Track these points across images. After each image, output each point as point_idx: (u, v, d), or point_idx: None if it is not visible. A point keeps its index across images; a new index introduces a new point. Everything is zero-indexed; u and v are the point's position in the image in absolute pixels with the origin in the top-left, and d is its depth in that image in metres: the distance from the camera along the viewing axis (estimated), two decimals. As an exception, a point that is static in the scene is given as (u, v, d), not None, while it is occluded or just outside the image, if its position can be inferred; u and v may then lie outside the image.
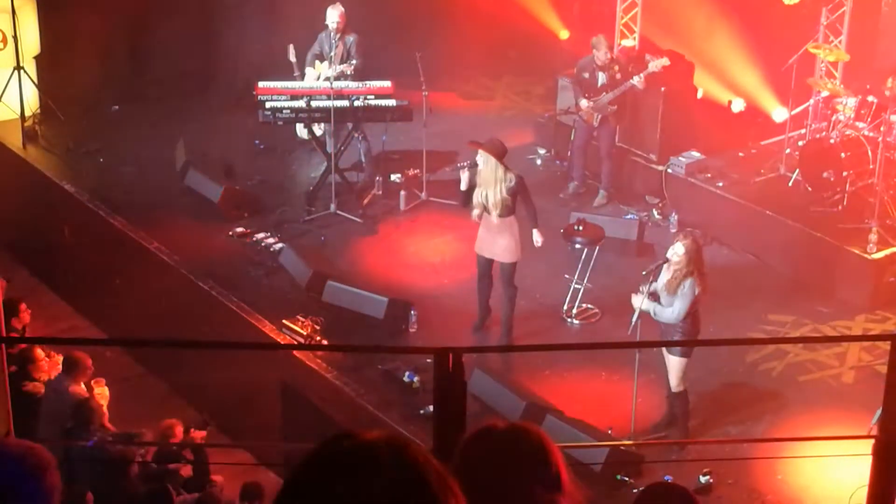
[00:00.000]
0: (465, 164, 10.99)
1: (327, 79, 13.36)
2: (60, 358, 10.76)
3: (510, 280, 11.08)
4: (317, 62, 13.75)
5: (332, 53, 13.59)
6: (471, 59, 15.86)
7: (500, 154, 10.73)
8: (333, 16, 13.59)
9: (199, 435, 9.98)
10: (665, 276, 9.64)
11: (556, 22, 16.23)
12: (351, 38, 13.60)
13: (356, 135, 13.81)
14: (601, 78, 13.46)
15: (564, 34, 16.06)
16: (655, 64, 13.33)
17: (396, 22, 14.79)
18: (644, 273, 10.17)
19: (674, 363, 9.81)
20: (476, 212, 10.90)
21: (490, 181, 10.69)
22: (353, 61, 13.47)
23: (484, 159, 10.71)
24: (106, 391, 10.56)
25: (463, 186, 10.91)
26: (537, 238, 11.01)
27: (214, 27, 16.32)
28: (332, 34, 13.61)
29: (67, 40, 15.67)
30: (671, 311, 9.56)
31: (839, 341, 11.72)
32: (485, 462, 2.90)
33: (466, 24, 15.81)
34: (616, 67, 13.47)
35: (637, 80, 13.25)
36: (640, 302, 9.65)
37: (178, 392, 12.09)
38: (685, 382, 9.90)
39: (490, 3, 15.72)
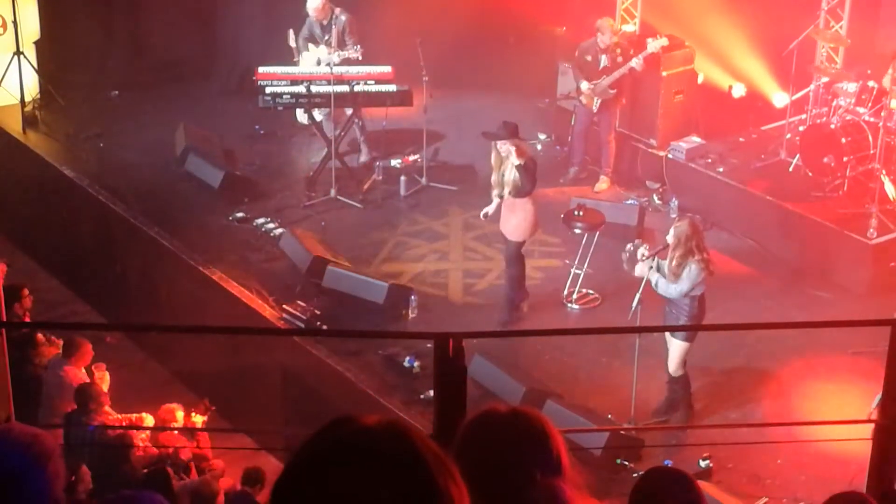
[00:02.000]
0: (489, 210, 11.36)
1: (328, 64, 13.34)
2: (61, 343, 10.78)
3: (511, 258, 11.20)
4: (311, 46, 13.73)
5: (327, 38, 13.58)
6: (471, 44, 15.82)
7: (514, 135, 10.91)
8: (313, 6, 13.56)
9: (199, 419, 10.00)
10: (669, 260, 9.67)
11: (553, 18, 16.14)
12: (343, 19, 13.58)
13: (357, 120, 13.82)
14: (603, 61, 13.43)
15: (560, 31, 16.00)
16: (654, 45, 13.32)
17: (396, 7, 14.75)
18: (645, 258, 10.18)
19: (675, 347, 9.84)
20: (496, 191, 11.09)
21: (507, 163, 10.88)
22: (358, 47, 13.47)
23: (508, 143, 10.82)
24: (106, 376, 10.58)
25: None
26: (491, 209, 11.21)
27: (214, 12, 16.30)
28: (317, 22, 13.60)
29: (67, 25, 15.66)
30: (675, 287, 9.61)
31: (839, 326, 11.70)
32: (485, 446, 2.90)
33: (466, 9, 15.76)
34: (618, 51, 13.46)
35: (636, 63, 13.24)
36: (643, 270, 9.74)
37: (179, 377, 12.10)
38: (685, 367, 9.92)
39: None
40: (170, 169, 14.01)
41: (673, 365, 9.91)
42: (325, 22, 13.62)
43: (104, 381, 10.48)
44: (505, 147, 10.83)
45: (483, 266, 12.35)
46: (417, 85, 13.39)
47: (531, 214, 11.06)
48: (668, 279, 9.65)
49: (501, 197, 11.12)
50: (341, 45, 13.59)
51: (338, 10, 13.67)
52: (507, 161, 10.89)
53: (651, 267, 9.73)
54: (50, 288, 13.56)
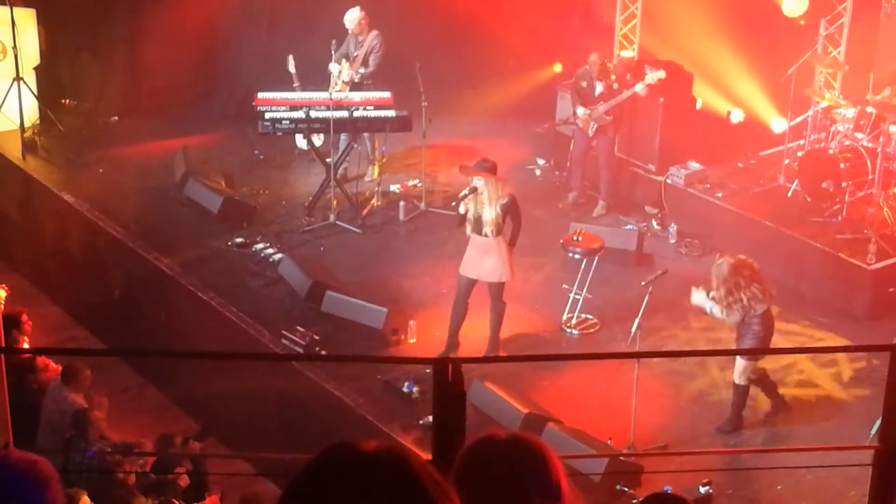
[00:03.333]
0: (466, 191, 10.74)
1: (345, 83, 13.55)
2: (59, 368, 10.76)
3: (498, 297, 10.95)
4: (343, 60, 13.80)
5: (356, 54, 13.70)
6: (469, 68, 15.87)
7: (494, 172, 10.64)
8: (349, 19, 13.68)
9: (197, 447, 9.97)
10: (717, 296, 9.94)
11: (551, 57, 16.18)
12: (376, 42, 13.71)
13: (356, 144, 13.85)
14: (598, 87, 13.49)
15: (558, 67, 16.04)
16: (652, 76, 13.36)
17: (395, 32, 14.79)
18: (643, 283, 10.23)
19: (739, 363, 10.11)
20: (469, 228, 10.76)
21: (487, 200, 10.58)
22: (362, 70, 13.58)
23: (484, 180, 10.57)
24: (105, 401, 10.57)
25: (461, 210, 10.73)
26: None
27: (213, 38, 16.34)
28: (353, 36, 13.73)
29: (67, 51, 15.69)
30: (729, 317, 9.90)
31: (839, 351, 11.71)
32: (485, 472, 2.90)
33: (465, 34, 15.81)
34: (613, 77, 13.51)
35: (640, 87, 13.28)
36: (699, 298, 9.98)
37: (178, 403, 12.08)
38: (746, 380, 10.12)
39: (488, 16, 15.72)
40: (169, 194, 14.02)
41: (734, 374, 10.16)
42: (360, 38, 13.73)
43: (103, 406, 10.46)
44: (480, 183, 10.55)
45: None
46: (417, 110, 13.42)
47: (507, 253, 10.77)
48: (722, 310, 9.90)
49: (464, 214, 10.72)
50: (365, 63, 13.70)
51: (375, 32, 13.77)
52: (480, 198, 10.58)
53: (709, 296, 9.97)
54: (49, 313, 13.55)
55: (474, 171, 10.70)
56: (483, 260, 10.80)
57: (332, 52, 13.59)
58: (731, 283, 9.77)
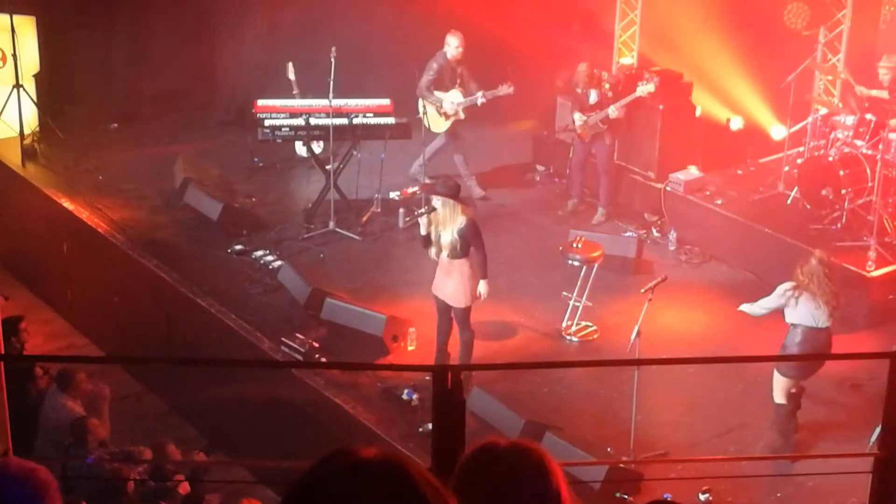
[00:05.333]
0: (424, 209, 10.55)
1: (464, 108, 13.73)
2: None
3: (463, 323, 10.66)
4: (452, 90, 13.81)
5: (459, 79, 13.78)
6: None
7: (455, 194, 10.33)
8: (457, 45, 13.72)
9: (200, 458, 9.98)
10: None
11: (550, 64, 16.16)
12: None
13: (355, 152, 13.85)
14: (592, 96, 13.50)
15: (558, 84, 16.04)
16: (642, 89, 13.37)
17: (394, 39, 14.80)
18: (643, 290, 10.22)
19: (776, 380, 10.01)
20: (433, 251, 10.51)
21: (445, 221, 10.30)
22: (481, 95, 13.72)
23: (441, 201, 10.30)
24: (107, 390, 10.60)
25: (423, 231, 10.46)
26: (482, 289, 10.50)
27: (213, 45, 16.35)
28: (451, 62, 13.73)
29: (66, 58, 15.71)
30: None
31: (838, 359, 11.69)
32: (485, 480, 2.89)
33: (465, 41, 15.81)
34: (607, 87, 13.52)
35: (612, 111, 13.30)
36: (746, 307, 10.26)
37: (177, 410, 12.08)
38: (785, 398, 9.98)
39: (487, 23, 15.72)
40: (169, 201, 14.02)
41: (775, 393, 10.05)
42: (457, 63, 13.84)
43: (105, 394, 10.51)
44: (438, 204, 10.27)
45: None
46: (416, 117, 13.42)
47: (468, 278, 10.44)
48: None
49: (427, 236, 10.47)
50: (468, 86, 13.83)
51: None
52: (438, 218, 10.30)
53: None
54: (48, 320, 13.55)
55: (434, 190, 10.52)
56: (446, 281, 10.56)
57: (332, 58, 13.47)
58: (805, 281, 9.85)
